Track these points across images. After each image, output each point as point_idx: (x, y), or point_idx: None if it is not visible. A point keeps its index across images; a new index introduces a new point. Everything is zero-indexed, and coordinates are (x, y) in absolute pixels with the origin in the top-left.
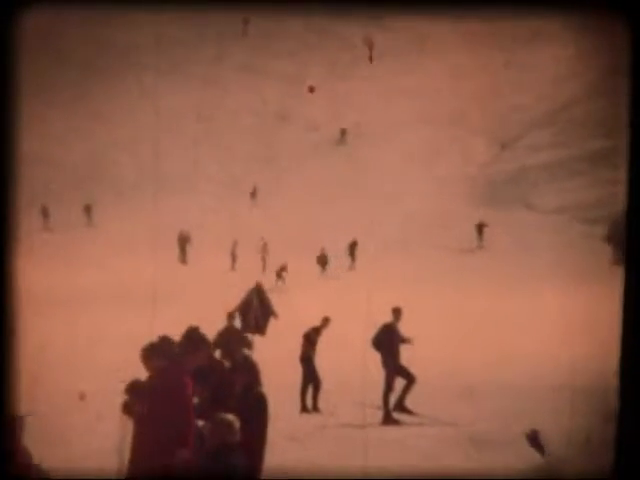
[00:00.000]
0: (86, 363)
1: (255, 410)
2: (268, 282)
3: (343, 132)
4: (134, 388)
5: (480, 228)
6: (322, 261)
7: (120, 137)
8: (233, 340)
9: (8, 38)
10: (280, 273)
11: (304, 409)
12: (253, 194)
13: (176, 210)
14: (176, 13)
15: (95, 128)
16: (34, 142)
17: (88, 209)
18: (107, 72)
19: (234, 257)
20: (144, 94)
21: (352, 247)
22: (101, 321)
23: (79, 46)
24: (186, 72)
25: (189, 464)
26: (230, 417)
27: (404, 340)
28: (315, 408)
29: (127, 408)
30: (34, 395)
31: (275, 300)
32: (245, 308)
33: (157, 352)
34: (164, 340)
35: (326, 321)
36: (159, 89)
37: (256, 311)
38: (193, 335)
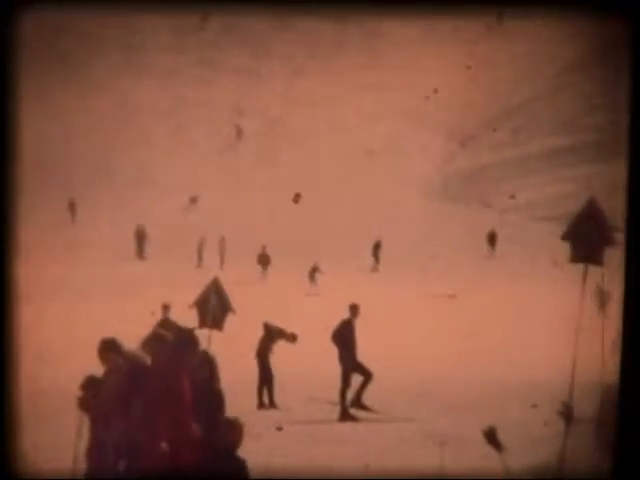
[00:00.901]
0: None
1: (213, 406)
2: (229, 278)
3: (301, 126)
4: (90, 384)
5: (492, 237)
6: (263, 261)
7: (118, 136)
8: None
9: (8, 38)
10: (313, 275)
11: (261, 405)
12: (193, 200)
13: (138, 207)
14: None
15: (94, 127)
16: (33, 141)
17: (72, 206)
18: (106, 71)
19: (200, 254)
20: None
21: (376, 248)
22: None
23: (79, 46)
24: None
25: (189, 465)
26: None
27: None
28: (272, 404)
29: (83, 404)
30: (34, 394)
31: (308, 306)
32: (202, 303)
33: (113, 348)
34: (107, 342)
35: (293, 337)
36: (157, 89)
37: (214, 306)
38: (186, 335)
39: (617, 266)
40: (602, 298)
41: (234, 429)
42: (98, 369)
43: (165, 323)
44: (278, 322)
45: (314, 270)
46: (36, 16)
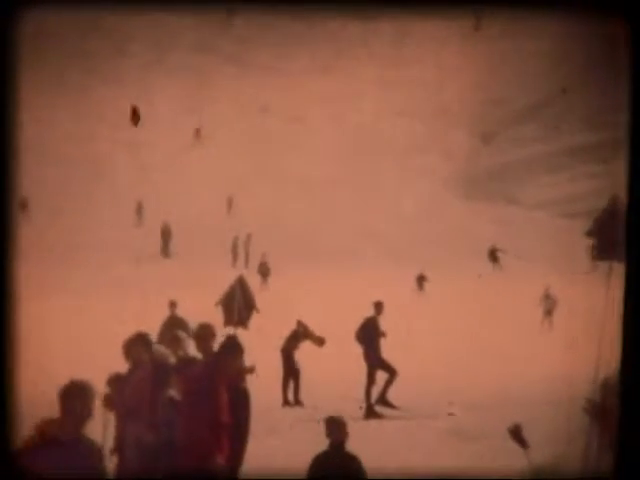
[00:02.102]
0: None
1: (237, 404)
2: (251, 277)
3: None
4: (116, 381)
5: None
6: (263, 271)
7: (120, 136)
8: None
9: (8, 38)
10: (421, 283)
11: (286, 402)
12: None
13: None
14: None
15: (96, 128)
16: (34, 142)
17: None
18: (107, 71)
19: (235, 254)
20: (141, 92)
21: (493, 253)
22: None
23: (79, 46)
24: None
25: (224, 469)
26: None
27: (382, 334)
28: (297, 401)
29: (108, 401)
30: (34, 392)
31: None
32: (228, 301)
33: (139, 345)
34: (143, 336)
35: (321, 341)
36: (156, 88)
37: (239, 304)
38: (230, 342)
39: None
40: (548, 305)
41: (340, 426)
42: (101, 368)
43: (173, 320)
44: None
45: (422, 278)
46: (36, 16)
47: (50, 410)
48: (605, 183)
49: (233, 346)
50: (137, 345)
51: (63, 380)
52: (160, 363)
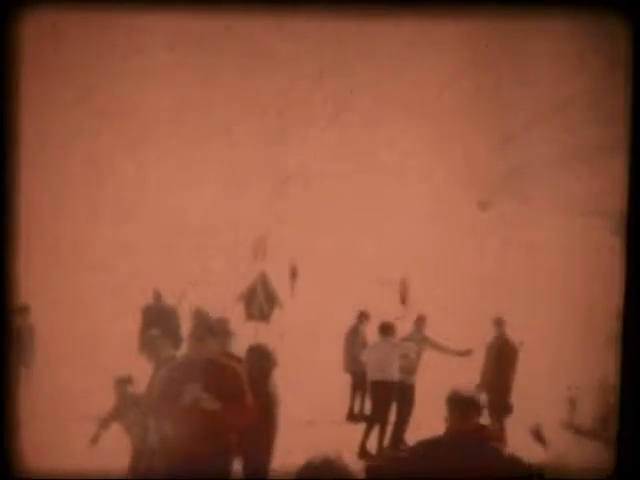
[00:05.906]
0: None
1: (263, 401)
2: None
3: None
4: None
5: None
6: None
7: (123, 139)
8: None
9: (8, 38)
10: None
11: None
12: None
13: (183, 207)
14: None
15: (97, 130)
16: (34, 144)
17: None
18: (109, 73)
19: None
20: (145, 94)
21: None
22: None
23: (81, 47)
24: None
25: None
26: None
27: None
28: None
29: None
30: (35, 394)
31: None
32: (249, 297)
33: (166, 340)
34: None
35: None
36: (158, 90)
37: (260, 300)
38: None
39: None
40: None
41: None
42: (98, 367)
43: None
44: None
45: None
46: (37, 16)
47: (49, 409)
48: (623, 181)
49: (262, 354)
50: (164, 340)
51: (63, 380)
52: (188, 358)
